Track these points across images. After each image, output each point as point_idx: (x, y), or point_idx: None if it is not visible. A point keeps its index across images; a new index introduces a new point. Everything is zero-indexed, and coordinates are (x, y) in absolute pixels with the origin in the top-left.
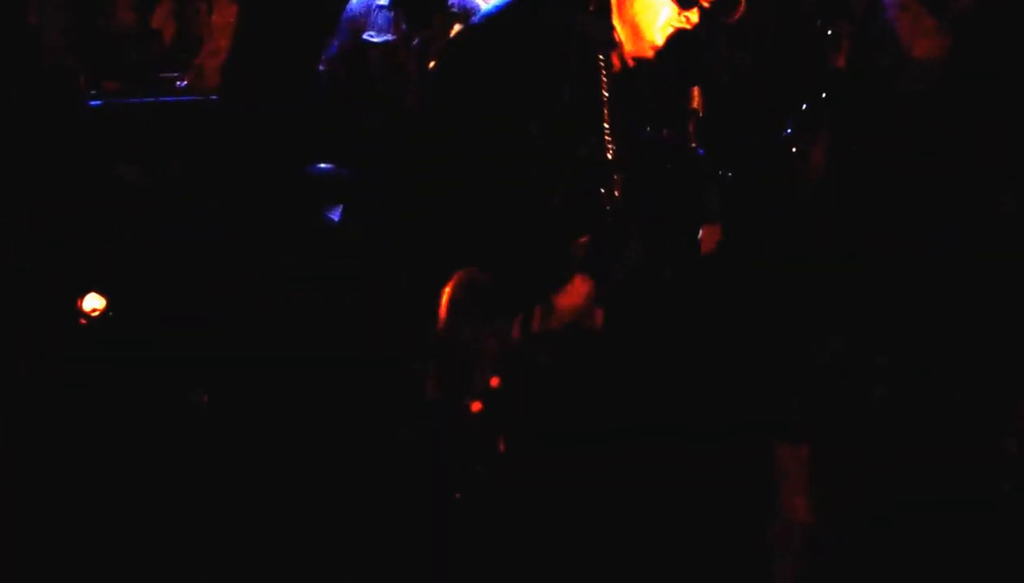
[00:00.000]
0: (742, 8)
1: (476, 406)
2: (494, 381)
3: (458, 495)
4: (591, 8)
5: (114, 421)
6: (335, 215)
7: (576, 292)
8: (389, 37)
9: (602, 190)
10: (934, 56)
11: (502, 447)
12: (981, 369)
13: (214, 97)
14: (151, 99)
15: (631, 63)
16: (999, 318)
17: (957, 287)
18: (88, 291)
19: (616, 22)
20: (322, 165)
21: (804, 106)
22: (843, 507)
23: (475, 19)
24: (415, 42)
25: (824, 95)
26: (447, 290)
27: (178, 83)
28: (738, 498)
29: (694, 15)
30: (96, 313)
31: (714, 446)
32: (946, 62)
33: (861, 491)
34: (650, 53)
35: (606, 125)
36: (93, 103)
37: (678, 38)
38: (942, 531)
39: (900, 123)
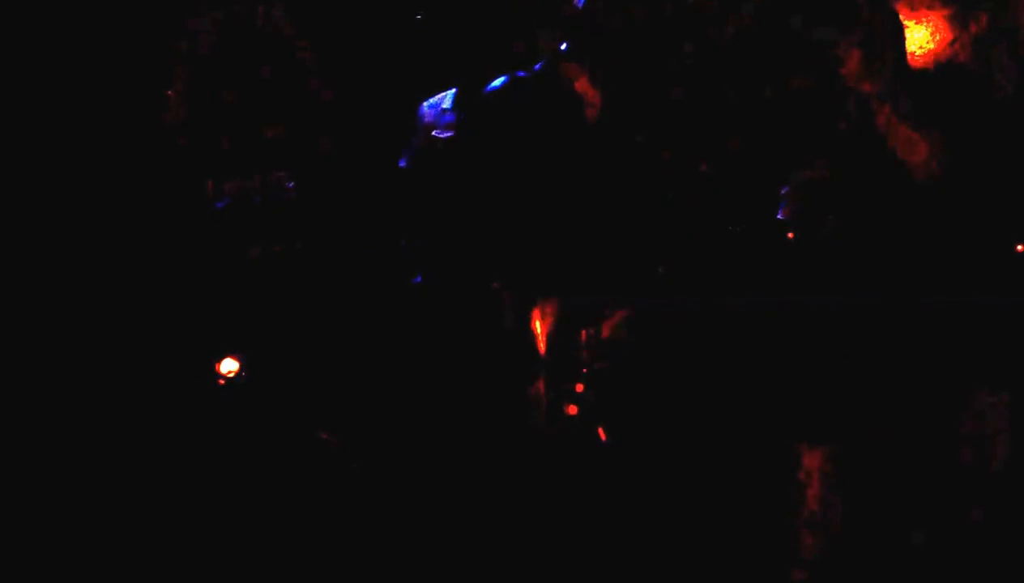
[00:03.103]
0: None
1: (573, 409)
2: (579, 387)
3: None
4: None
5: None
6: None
7: (618, 314)
8: (451, 134)
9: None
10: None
11: (602, 436)
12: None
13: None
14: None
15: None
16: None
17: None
18: (224, 355)
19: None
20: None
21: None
22: (862, 504)
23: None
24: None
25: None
26: (547, 317)
27: (288, 183)
28: (762, 495)
29: None
30: (231, 375)
31: (739, 445)
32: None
33: (879, 489)
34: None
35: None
36: (219, 203)
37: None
38: (959, 528)
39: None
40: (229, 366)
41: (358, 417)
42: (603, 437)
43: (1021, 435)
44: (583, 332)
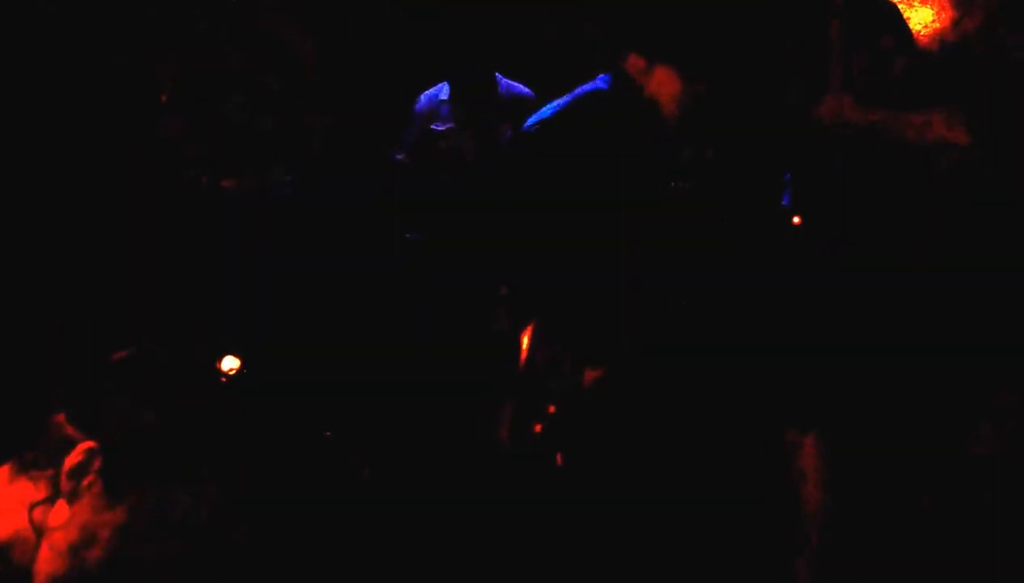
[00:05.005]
0: None
1: (537, 428)
2: (551, 408)
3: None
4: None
5: None
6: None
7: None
8: (450, 125)
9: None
10: None
11: (559, 460)
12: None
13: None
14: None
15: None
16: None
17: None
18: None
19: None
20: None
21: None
22: (858, 500)
23: (545, 113)
24: (471, 130)
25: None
26: (526, 334)
27: (286, 177)
28: (754, 492)
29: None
30: (233, 372)
31: (731, 440)
32: None
33: (875, 484)
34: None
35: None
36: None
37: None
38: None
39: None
40: (230, 364)
41: (345, 414)
42: (560, 462)
43: None
44: (569, 356)
